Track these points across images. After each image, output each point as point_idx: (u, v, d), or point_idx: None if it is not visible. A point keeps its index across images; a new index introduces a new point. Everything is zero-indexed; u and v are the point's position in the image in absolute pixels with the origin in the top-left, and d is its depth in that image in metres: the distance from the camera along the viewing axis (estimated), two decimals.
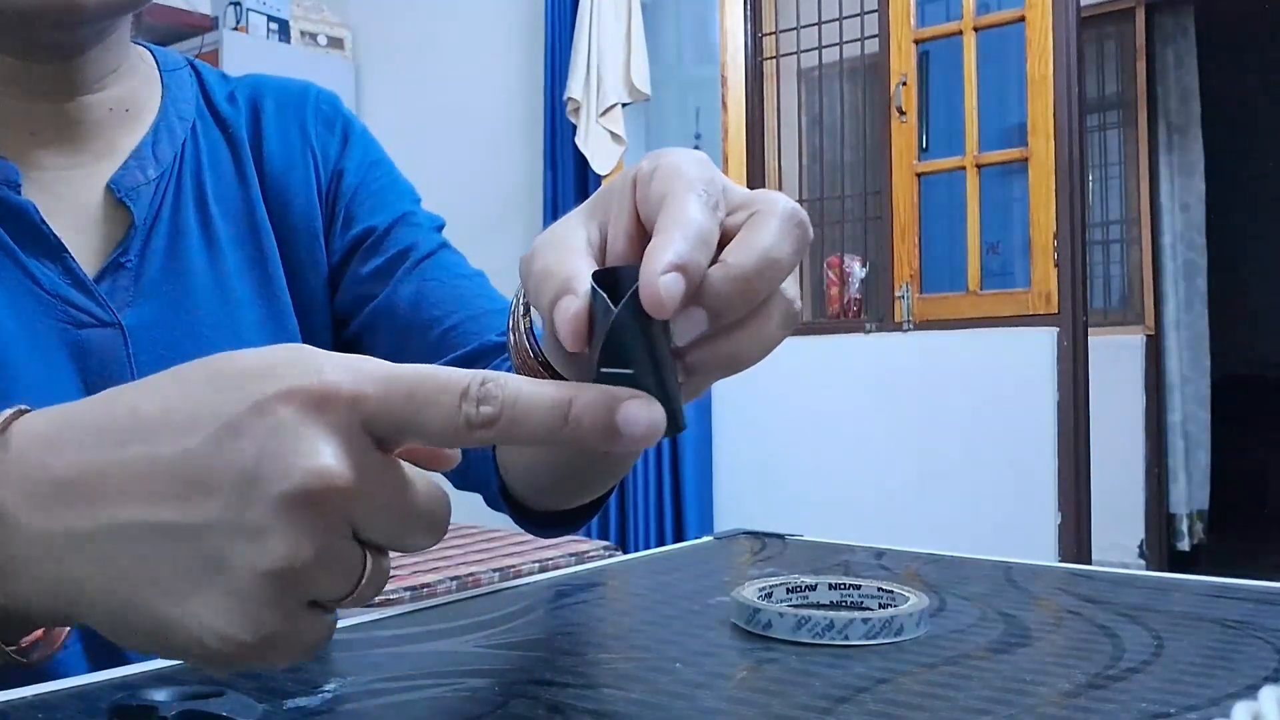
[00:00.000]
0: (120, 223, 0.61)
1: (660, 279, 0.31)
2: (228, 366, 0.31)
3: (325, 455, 0.28)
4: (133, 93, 0.64)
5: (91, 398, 0.33)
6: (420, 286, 0.68)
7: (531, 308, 0.45)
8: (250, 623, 0.29)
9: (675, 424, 0.33)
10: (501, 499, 0.65)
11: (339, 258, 0.69)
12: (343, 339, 0.70)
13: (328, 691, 0.45)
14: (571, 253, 0.36)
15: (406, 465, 0.32)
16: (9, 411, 0.32)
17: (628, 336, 0.32)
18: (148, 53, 0.68)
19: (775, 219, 0.35)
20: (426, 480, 0.32)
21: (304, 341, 0.65)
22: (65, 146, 0.61)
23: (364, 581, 0.31)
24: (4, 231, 0.57)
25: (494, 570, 2.14)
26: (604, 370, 0.33)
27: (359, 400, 0.29)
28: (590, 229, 0.38)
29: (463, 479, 0.67)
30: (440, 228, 0.72)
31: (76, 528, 0.30)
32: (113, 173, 0.62)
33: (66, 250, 0.59)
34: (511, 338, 0.45)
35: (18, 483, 0.31)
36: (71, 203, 0.60)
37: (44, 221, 0.58)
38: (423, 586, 2.01)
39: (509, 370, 0.61)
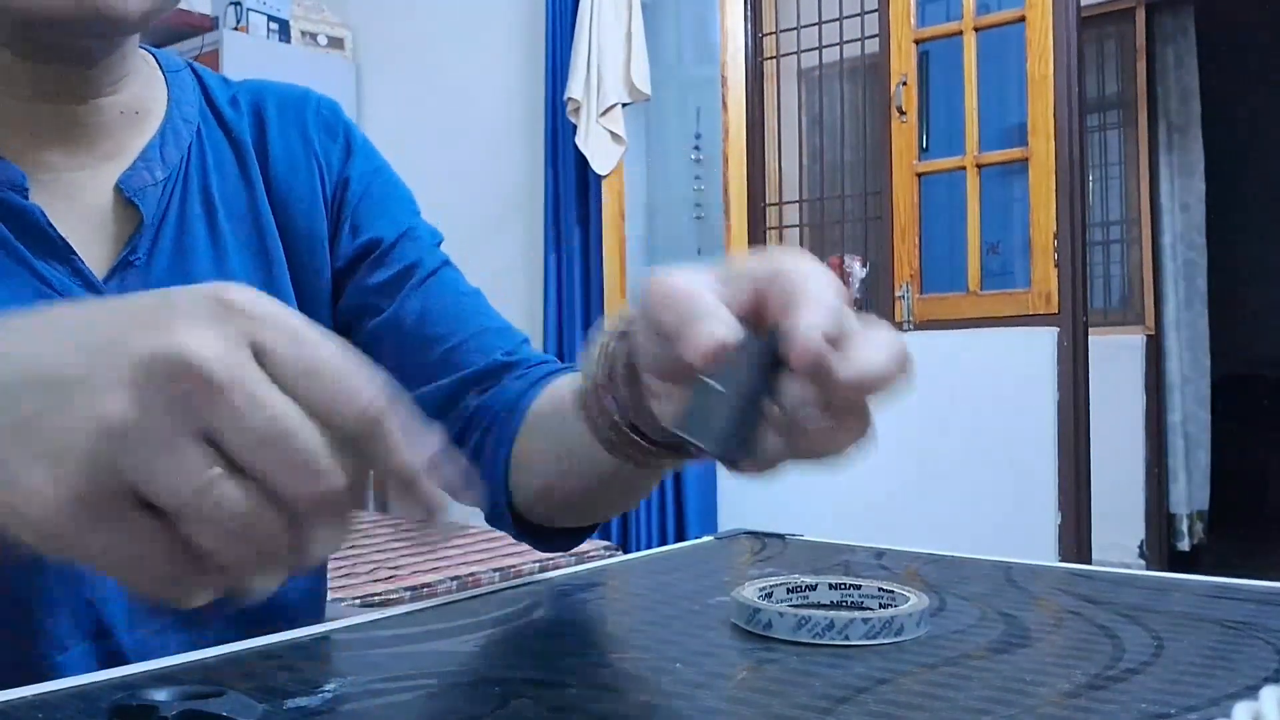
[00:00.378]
0: (128, 222, 0.62)
1: (814, 332, 0.35)
2: (164, 296, 0.31)
3: (194, 340, 0.28)
4: (140, 95, 0.65)
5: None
6: (425, 304, 0.69)
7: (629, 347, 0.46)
8: (66, 482, 0.28)
9: (733, 458, 0.36)
10: (506, 511, 0.66)
11: (344, 263, 0.70)
12: None
13: (328, 691, 0.45)
14: (710, 289, 0.39)
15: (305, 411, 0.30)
16: None
17: (747, 363, 0.35)
18: (149, 55, 0.68)
19: (892, 339, 0.38)
20: (318, 433, 0.30)
21: None
22: (73, 148, 0.61)
23: (220, 510, 0.28)
24: (11, 235, 0.58)
25: (494, 570, 2.14)
26: (706, 377, 0.35)
27: (259, 321, 0.30)
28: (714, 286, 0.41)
29: None
30: (439, 243, 0.74)
31: None
32: (120, 173, 0.62)
33: (74, 251, 0.59)
34: (592, 399, 0.48)
35: None
36: (79, 204, 0.61)
37: (51, 224, 0.58)
38: (423, 586, 2.01)
39: (512, 392, 0.64)
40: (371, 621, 0.58)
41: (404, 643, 0.54)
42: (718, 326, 0.37)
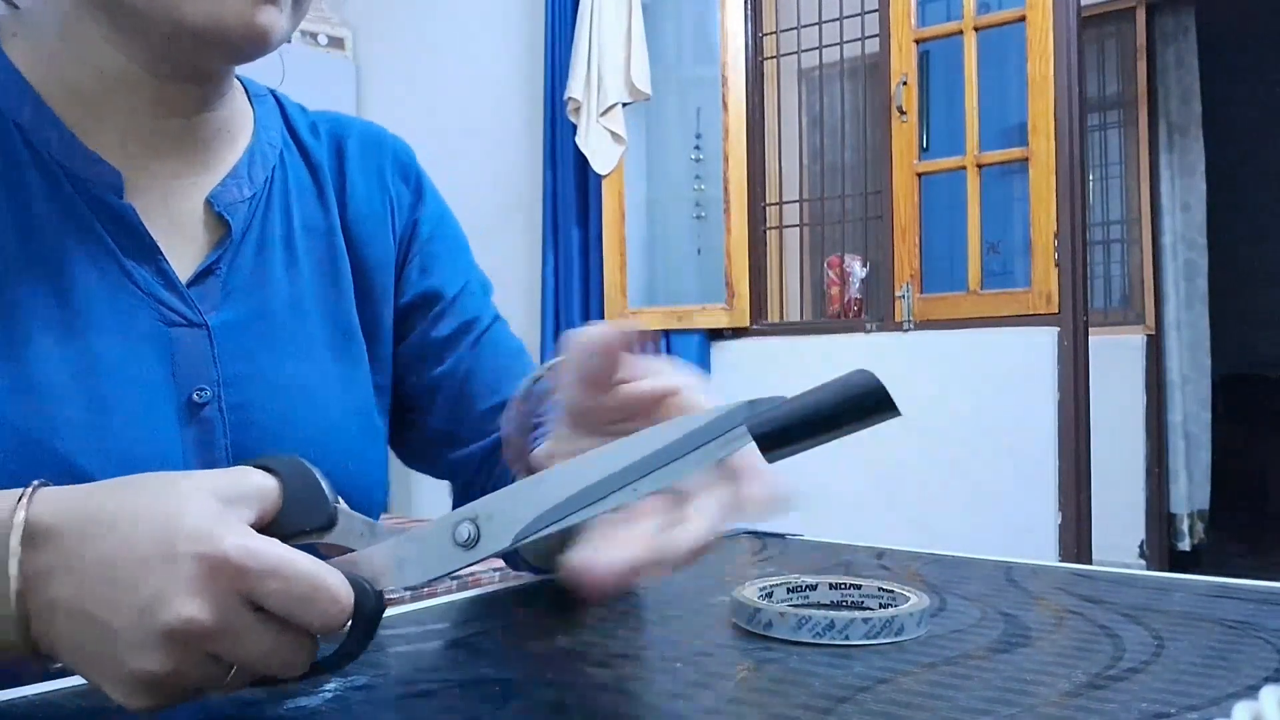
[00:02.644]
0: (215, 233, 0.65)
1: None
2: (179, 527, 0.39)
3: (199, 609, 0.38)
4: (234, 115, 0.69)
5: (88, 503, 0.41)
6: (477, 361, 0.75)
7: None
8: (135, 702, 0.40)
9: None
10: (516, 556, 0.71)
11: (408, 299, 0.74)
12: (404, 393, 0.75)
13: (328, 691, 0.45)
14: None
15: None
16: (35, 491, 0.42)
17: (847, 408, 0.39)
18: (237, 80, 0.72)
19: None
20: (298, 634, 0.40)
21: (370, 365, 0.72)
22: (174, 159, 0.65)
23: (229, 680, 0.41)
24: (105, 232, 0.61)
25: (494, 570, 2.14)
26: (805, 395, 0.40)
27: (245, 574, 0.39)
28: None
29: None
30: (490, 293, 0.79)
31: (51, 596, 0.40)
32: (211, 187, 0.66)
33: (161, 254, 0.62)
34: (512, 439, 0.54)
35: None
36: (171, 210, 0.64)
37: (142, 225, 0.62)
38: (423, 586, 2.00)
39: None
40: None
41: (404, 642, 0.54)
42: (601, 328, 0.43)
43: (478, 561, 0.42)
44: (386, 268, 0.73)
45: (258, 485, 0.43)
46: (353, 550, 0.44)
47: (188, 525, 0.39)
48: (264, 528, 0.42)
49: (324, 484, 0.44)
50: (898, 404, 0.38)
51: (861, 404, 0.38)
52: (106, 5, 0.58)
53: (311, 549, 0.43)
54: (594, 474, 0.41)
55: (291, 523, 0.43)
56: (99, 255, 0.60)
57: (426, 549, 0.43)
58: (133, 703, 0.40)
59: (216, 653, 0.39)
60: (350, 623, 0.41)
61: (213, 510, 0.40)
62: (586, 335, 0.47)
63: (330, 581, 0.40)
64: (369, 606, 0.41)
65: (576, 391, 0.49)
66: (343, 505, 0.44)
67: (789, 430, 0.39)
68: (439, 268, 0.76)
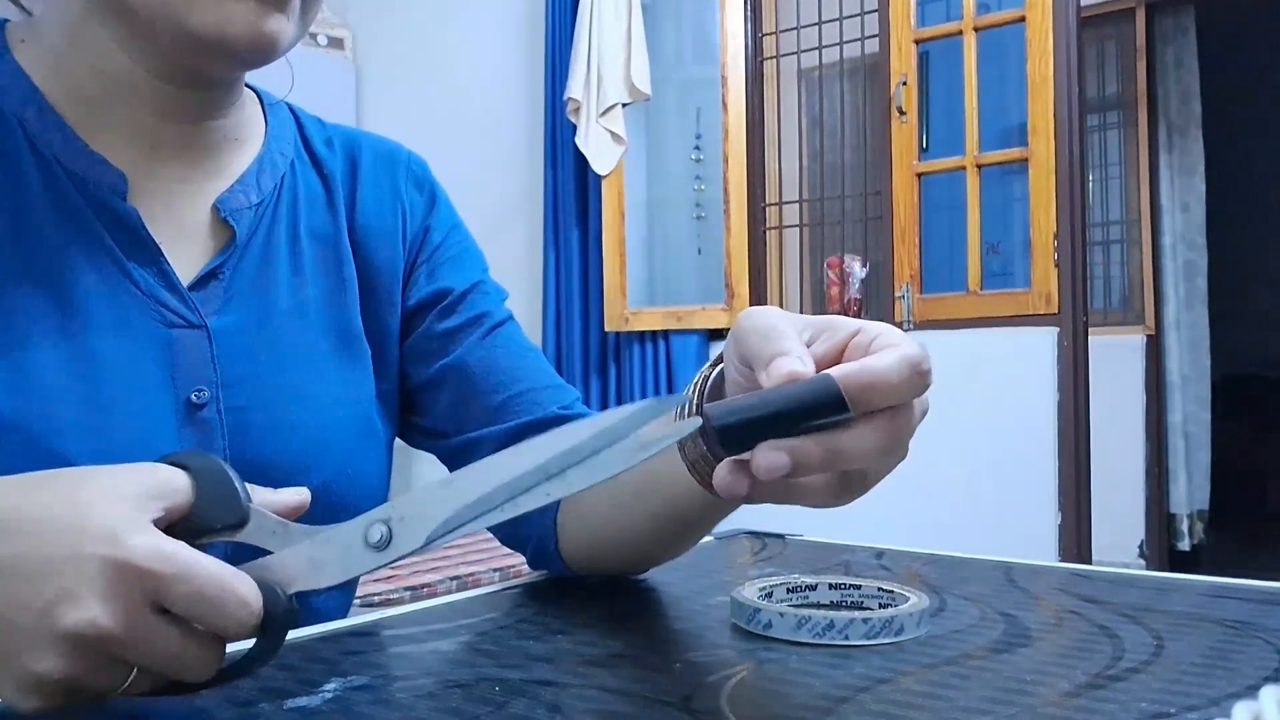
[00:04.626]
0: (219, 238, 0.66)
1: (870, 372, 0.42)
2: (86, 528, 0.39)
3: (103, 614, 0.38)
4: (243, 123, 0.69)
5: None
6: (489, 353, 0.74)
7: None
8: (27, 703, 0.40)
9: (725, 441, 0.42)
10: (555, 554, 0.70)
11: (415, 303, 0.74)
12: (408, 389, 0.75)
13: (328, 691, 0.45)
14: (794, 329, 0.46)
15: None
16: None
17: (800, 394, 0.41)
18: (251, 89, 0.73)
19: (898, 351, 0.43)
20: (206, 639, 0.40)
21: (374, 371, 0.71)
22: (181, 164, 0.65)
23: (129, 685, 0.40)
24: (107, 234, 0.61)
25: (494, 570, 2.15)
26: (768, 392, 0.42)
27: (152, 577, 0.38)
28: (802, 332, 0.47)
29: (507, 538, 0.74)
30: (505, 299, 0.79)
31: None
32: (218, 193, 0.66)
33: (163, 256, 0.62)
34: (687, 459, 0.52)
35: None
36: (176, 215, 0.64)
37: (144, 228, 0.62)
38: (423, 586, 2.01)
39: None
40: (372, 621, 0.59)
41: (404, 643, 0.54)
42: (795, 362, 0.42)
43: (391, 563, 0.42)
44: (394, 274, 0.74)
45: (168, 482, 0.42)
46: (266, 549, 0.43)
47: (94, 526, 0.39)
48: (174, 525, 0.42)
49: (236, 481, 0.44)
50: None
51: (819, 404, 0.40)
52: (114, 10, 0.58)
53: (224, 549, 0.42)
54: (506, 473, 0.40)
55: (203, 520, 0.43)
56: (99, 256, 0.60)
57: (338, 551, 0.42)
58: (24, 703, 0.39)
59: (121, 656, 0.39)
60: (261, 627, 0.41)
61: (120, 511, 0.40)
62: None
63: (239, 586, 0.40)
64: (279, 610, 0.41)
65: (736, 372, 0.49)
66: (255, 503, 0.44)
67: (750, 423, 0.41)
68: (448, 271, 0.76)
